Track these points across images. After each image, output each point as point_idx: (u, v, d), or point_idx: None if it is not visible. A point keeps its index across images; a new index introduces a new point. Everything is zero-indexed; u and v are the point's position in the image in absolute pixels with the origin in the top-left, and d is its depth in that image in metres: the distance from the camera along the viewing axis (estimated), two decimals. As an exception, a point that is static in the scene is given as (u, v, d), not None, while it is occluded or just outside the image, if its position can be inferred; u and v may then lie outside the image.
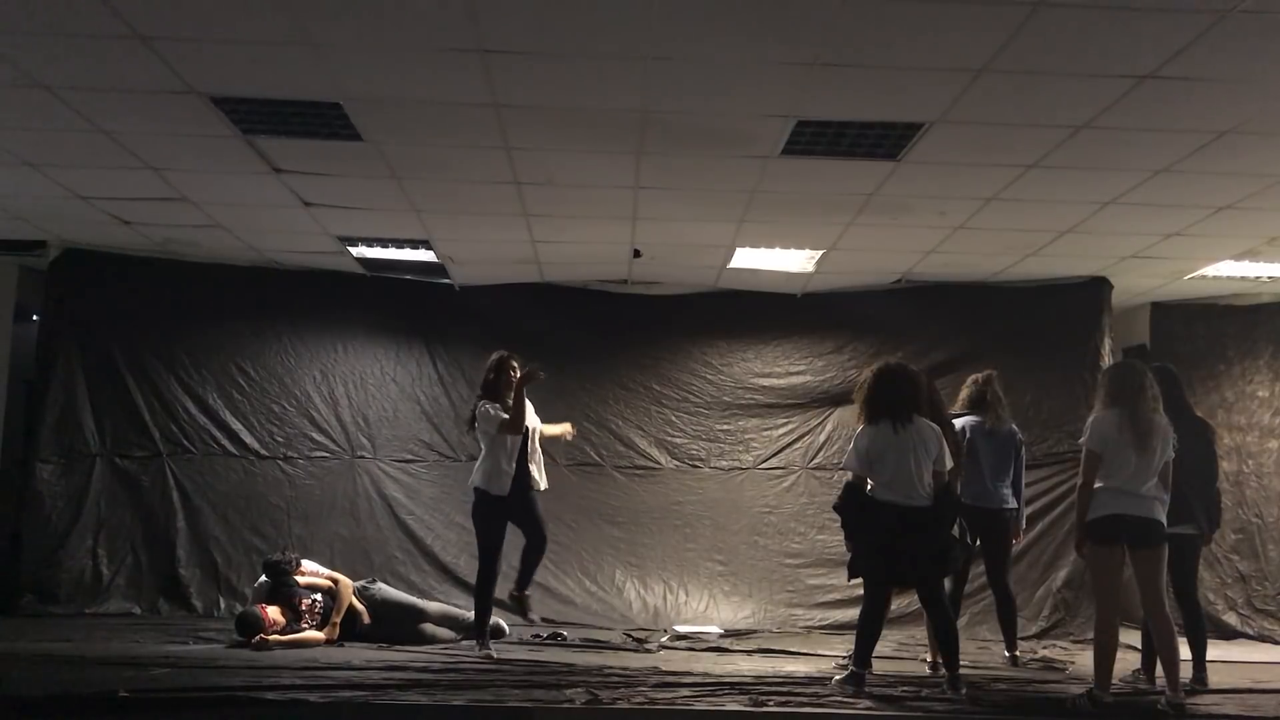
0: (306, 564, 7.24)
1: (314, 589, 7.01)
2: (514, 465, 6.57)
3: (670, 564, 8.76)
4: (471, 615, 7.45)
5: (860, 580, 5.68)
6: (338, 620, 6.98)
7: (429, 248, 8.11)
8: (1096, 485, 5.22)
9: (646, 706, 4.94)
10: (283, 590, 6.92)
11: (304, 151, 6.13)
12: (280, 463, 8.71)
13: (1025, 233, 7.43)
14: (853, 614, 6.89)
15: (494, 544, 6.61)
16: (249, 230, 7.87)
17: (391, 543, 8.64)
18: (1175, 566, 5.71)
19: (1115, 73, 4.79)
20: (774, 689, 5.38)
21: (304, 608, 6.91)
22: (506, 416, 6.53)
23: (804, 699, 5.17)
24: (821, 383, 9.06)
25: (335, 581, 7.12)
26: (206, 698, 4.85)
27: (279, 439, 8.75)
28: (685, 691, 5.27)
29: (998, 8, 4.22)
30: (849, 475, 5.69)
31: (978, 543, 6.64)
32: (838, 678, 5.54)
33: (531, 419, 6.75)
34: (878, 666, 5.84)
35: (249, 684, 5.13)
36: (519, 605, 6.90)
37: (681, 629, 8.05)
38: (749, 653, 7.03)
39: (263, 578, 7.13)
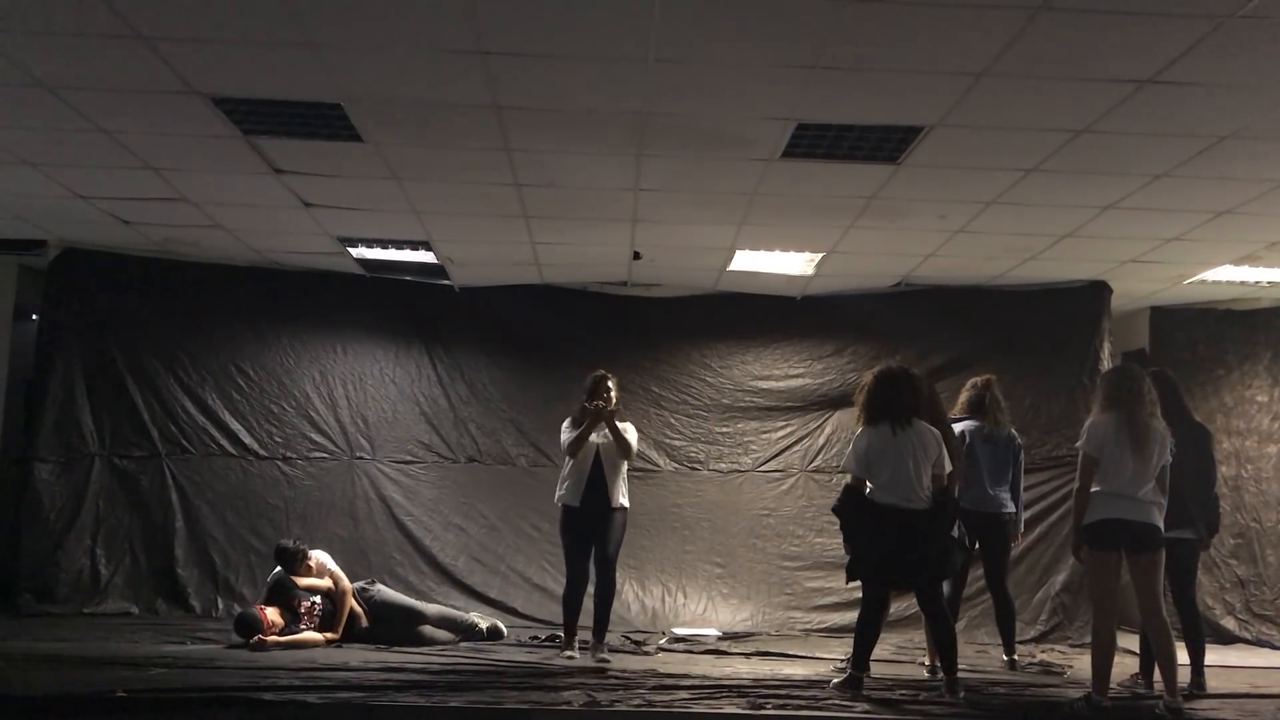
0: (317, 554, 7.24)
1: (313, 590, 7.02)
2: (585, 478, 6.56)
3: (669, 566, 8.76)
4: (470, 617, 7.49)
5: (859, 583, 5.69)
6: (340, 626, 6.99)
7: (429, 249, 8.11)
8: (1094, 489, 5.22)
9: (644, 709, 4.93)
10: (281, 592, 6.92)
11: (304, 152, 6.13)
12: (279, 463, 8.71)
13: (1025, 236, 7.44)
14: (851, 617, 6.89)
15: (571, 555, 6.62)
16: (249, 230, 7.88)
17: (390, 544, 8.64)
18: (1173, 571, 5.71)
19: (1115, 77, 4.80)
20: (772, 692, 5.37)
21: (303, 610, 6.91)
22: (569, 440, 6.62)
23: (802, 702, 5.17)
24: (820, 386, 9.06)
25: (336, 583, 7.11)
26: (204, 698, 4.85)
27: (278, 439, 8.75)
28: (683, 694, 5.27)
29: (998, 11, 4.23)
30: (848, 478, 5.70)
31: (976, 546, 6.64)
32: (836, 681, 5.55)
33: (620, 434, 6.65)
34: (876, 670, 5.84)
35: (247, 684, 5.13)
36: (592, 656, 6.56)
37: (680, 631, 8.04)
38: (747, 655, 7.03)
39: (277, 568, 7.17)
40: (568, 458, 6.64)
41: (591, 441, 6.58)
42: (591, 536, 6.58)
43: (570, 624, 6.65)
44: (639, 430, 8.91)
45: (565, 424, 6.73)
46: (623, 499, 6.64)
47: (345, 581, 7.17)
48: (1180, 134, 5.45)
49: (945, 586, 6.03)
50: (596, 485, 6.55)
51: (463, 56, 4.78)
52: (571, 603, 6.63)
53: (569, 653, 6.52)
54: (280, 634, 6.72)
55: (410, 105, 5.40)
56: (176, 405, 8.63)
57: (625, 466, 6.73)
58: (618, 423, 6.63)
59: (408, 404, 8.99)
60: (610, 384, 6.70)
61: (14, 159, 6.37)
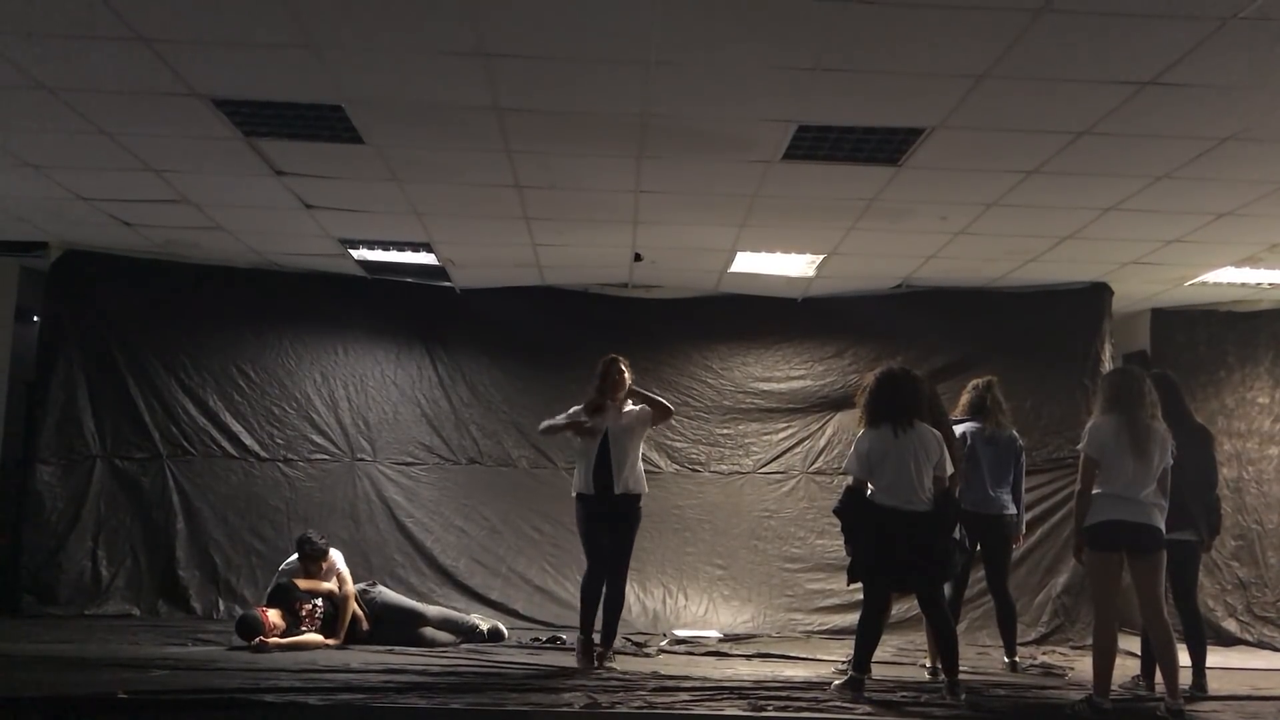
0: (334, 554, 7.23)
1: (314, 593, 7.01)
2: (593, 463, 6.32)
3: (670, 568, 8.75)
4: (471, 619, 7.49)
5: (860, 585, 5.68)
6: (342, 631, 6.98)
7: (430, 250, 8.11)
8: (1095, 491, 5.22)
9: (645, 710, 4.94)
10: (283, 595, 6.92)
11: (305, 154, 6.13)
12: (280, 465, 8.71)
13: (1026, 238, 7.44)
14: (852, 619, 6.89)
15: (588, 548, 6.41)
16: (250, 232, 7.88)
17: (391, 545, 8.64)
18: (1174, 573, 5.71)
19: (1117, 79, 4.80)
20: (773, 694, 5.37)
21: (304, 613, 6.91)
22: (547, 423, 6.58)
23: (803, 704, 5.17)
24: (822, 387, 9.06)
25: (341, 585, 7.10)
26: (205, 700, 4.86)
27: (279, 441, 8.75)
28: (684, 695, 5.27)
29: (1000, 13, 4.23)
30: (849, 479, 5.70)
31: (978, 548, 6.64)
32: (837, 683, 5.54)
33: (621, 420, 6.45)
34: (877, 671, 5.84)
35: (248, 686, 5.13)
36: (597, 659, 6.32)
37: (681, 633, 8.04)
38: (748, 657, 7.03)
39: (293, 558, 7.19)
40: (578, 440, 6.47)
41: (601, 424, 6.37)
42: (606, 530, 6.34)
43: (587, 619, 6.34)
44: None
45: (575, 409, 6.54)
46: (635, 486, 6.34)
47: (350, 586, 7.16)
48: (1181, 136, 5.45)
49: (946, 588, 6.02)
50: (605, 472, 6.30)
51: (464, 58, 4.78)
52: (589, 596, 6.35)
53: (587, 660, 6.22)
54: (282, 636, 6.72)
55: (411, 107, 5.40)
56: (178, 407, 8.63)
57: (639, 451, 6.45)
58: (631, 404, 6.46)
59: (409, 405, 8.99)
60: (623, 366, 6.49)
61: (16, 161, 6.37)
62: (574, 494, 6.50)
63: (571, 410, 6.58)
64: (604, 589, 6.38)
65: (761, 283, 8.76)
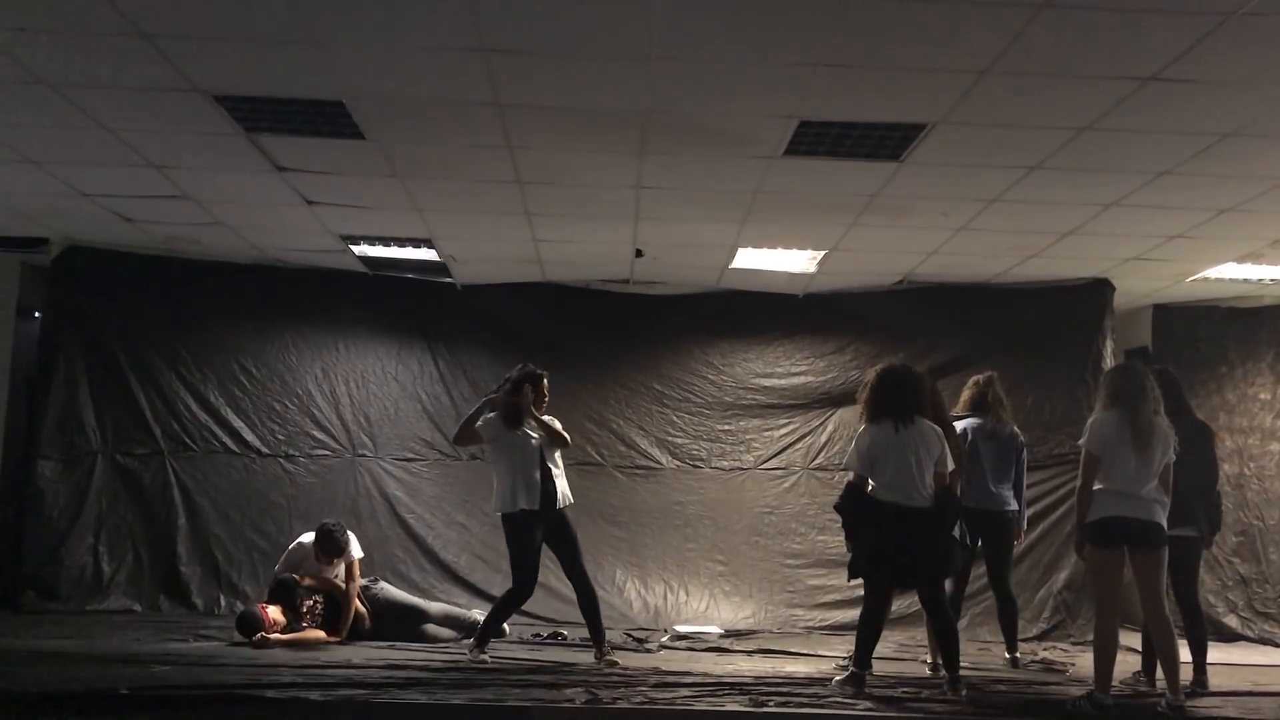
0: (354, 544, 7.17)
1: (315, 590, 7.01)
2: (539, 479, 6.26)
3: (671, 564, 8.76)
4: (473, 615, 7.47)
5: (861, 581, 5.69)
6: (344, 629, 6.97)
7: (431, 246, 8.11)
8: (1096, 487, 5.22)
9: (646, 706, 4.95)
10: (284, 592, 6.92)
11: (307, 150, 6.13)
12: (281, 461, 8.72)
13: (1027, 234, 7.43)
14: (853, 615, 6.88)
15: (529, 562, 6.32)
16: (251, 228, 7.88)
17: (392, 541, 8.64)
18: (1176, 569, 5.71)
19: (1119, 74, 4.79)
20: (774, 689, 5.38)
21: (304, 609, 6.91)
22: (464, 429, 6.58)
23: (804, 699, 5.18)
24: (823, 383, 9.06)
25: (350, 577, 7.07)
26: (207, 695, 4.87)
27: (280, 437, 8.75)
28: (685, 691, 5.28)
29: (1001, 9, 4.22)
30: (850, 475, 5.69)
31: (979, 544, 6.64)
32: (838, 678, 5.55)
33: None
34: (878, 667, 5.84)
35: (249, 682, 5.14)
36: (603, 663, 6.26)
37: (682, 629, 8.05)
38: (749, 653, 7.04)
39: (306, 537, 7.17)
40: (455, 442, 6.46)
41: (534, 443, 6.31)
42: (551, 543, 6.37)
43: (498, 626, 6.64)
44: (643, 428, 9.02)
45: (493, 414, 6.41)
46: (568, 497, 6.41)
47: (356, 584, 7.12)
48: (1183, 131, 5.44)
49: (947, 584, 6.02)
50: (549, 485, 6.29)
51: (465, 54, 4.78)
52: (511, 610, 6.54)
53: (483, 656, 6.27)
54: (282, 632, 6.72)
55: (412, 103, 5.40)
56: (179, 403, 8.63)
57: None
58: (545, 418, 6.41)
59: (410, 401, 8.99)
60: (536, 382, 6.45)
61: (17, 156, 6.37)
62: (515, 510, 6.26)
63: (482, 410, 6.50)
64: (577, 594, 6.39)
65: (763, 279, 8.76)
